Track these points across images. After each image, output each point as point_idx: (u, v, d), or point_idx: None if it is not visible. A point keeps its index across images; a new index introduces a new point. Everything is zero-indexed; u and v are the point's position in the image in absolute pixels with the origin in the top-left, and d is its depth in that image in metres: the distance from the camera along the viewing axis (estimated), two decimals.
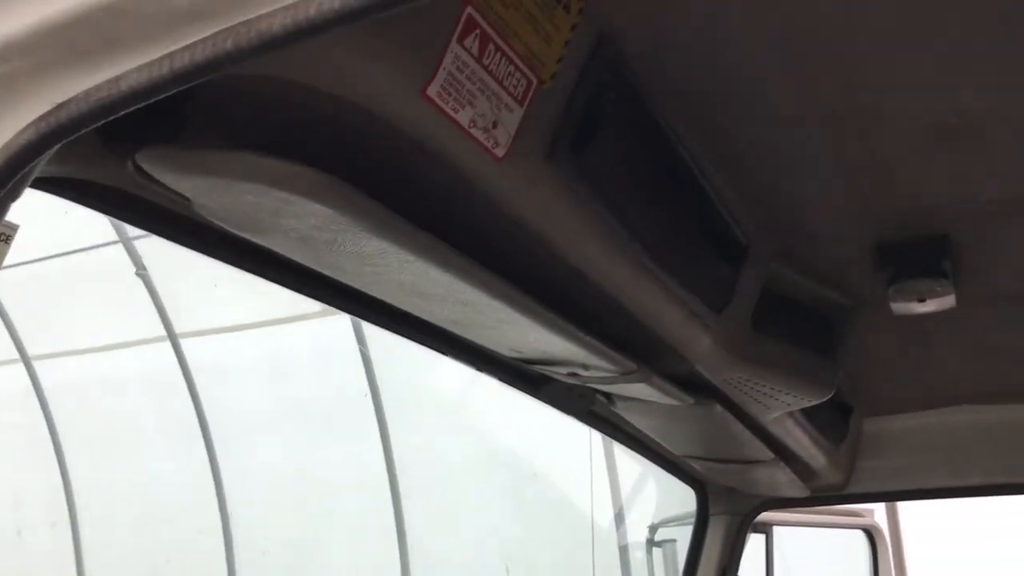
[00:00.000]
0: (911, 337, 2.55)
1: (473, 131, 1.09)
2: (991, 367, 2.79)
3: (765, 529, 4.22)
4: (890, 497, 3.37)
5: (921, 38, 1.34)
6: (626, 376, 1.89)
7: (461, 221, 1.28)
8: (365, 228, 1.12)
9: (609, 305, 1.63)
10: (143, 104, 0.81)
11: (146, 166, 1.08)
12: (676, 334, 1.80)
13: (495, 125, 1.12)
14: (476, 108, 1.08)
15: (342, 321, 8.65)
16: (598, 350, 1.72)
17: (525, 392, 2.31)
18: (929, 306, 2.12)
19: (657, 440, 2.84)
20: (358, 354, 9.21)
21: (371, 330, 8.31)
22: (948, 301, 2.11)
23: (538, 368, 2.01)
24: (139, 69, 0.79)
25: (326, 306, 1.79)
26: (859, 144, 1.62)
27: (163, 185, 1.13)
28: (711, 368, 1.97)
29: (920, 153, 1.62)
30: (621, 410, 2.47)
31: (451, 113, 1.06)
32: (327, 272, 1.43)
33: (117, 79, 0.80)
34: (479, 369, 2.14)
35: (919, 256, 1.96)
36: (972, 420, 3.14)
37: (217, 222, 1.24)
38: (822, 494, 3.36)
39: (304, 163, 1.03)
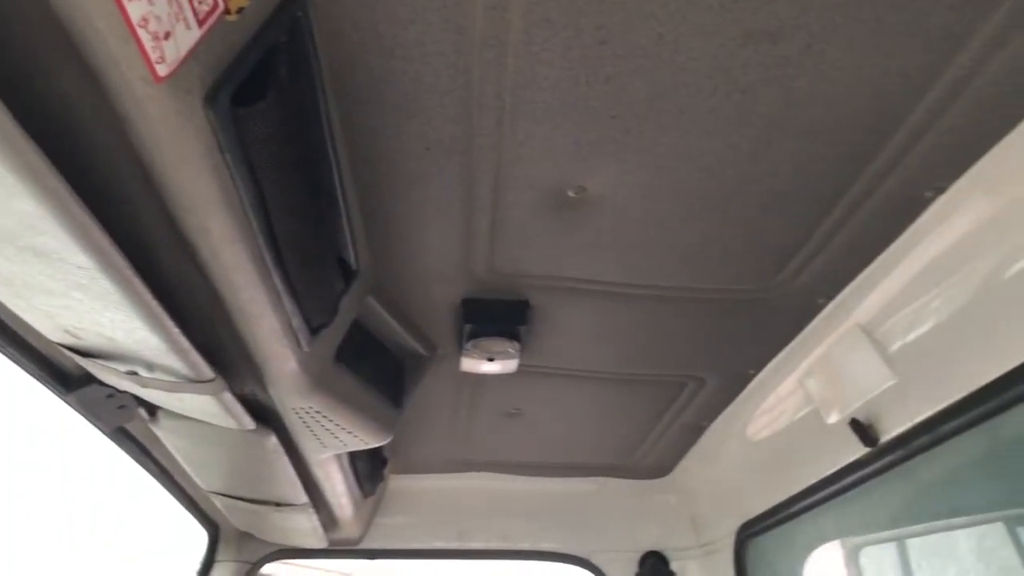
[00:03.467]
0: (461, 399, 2.69)
1: (141, 32, 0.89)
2: (513, 440, 3.05)
3: None
4: (400, 555, 3.44)
5: (563, 120, 1.43)
6: (198, 384, 1.67)
7: (78, 145, 1.03)
8: None
9: (208, 297, 1.44)
10: None
11: None
12: (266, 347, 1.65)
13: (167, 36, 0.92)
14: (155, 6, 0.88)
15: None
16: (180, 348, 1.49)
17: (53, 390, 1.93)
18: (495, 367, 2.25)
19: (188, 470, 2.57)
20: None
21: None
22: (511, 365, 2.26)
23: (88, 362, 1.69)
24: None
25: None
26: (484, 202, 1.66)
27: None
28: (287, 391, 1.84)
29: (532, 221, 1.73)
30: (162, 429, 2.19)
31: None
32: None
33: None
34: (4, 353, 1.75)
35: (501, 317, 2.07)
36: (484, 487, 3.40)
37: None
38: (337, 547, 3.33)
39: None
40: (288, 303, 1.55)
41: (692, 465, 3.25)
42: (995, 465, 2.18)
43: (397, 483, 3.39)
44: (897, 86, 1.34)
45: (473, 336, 2.09)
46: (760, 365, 2.41)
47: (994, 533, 4.87)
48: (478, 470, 3.36)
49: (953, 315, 1.80)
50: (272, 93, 1.18)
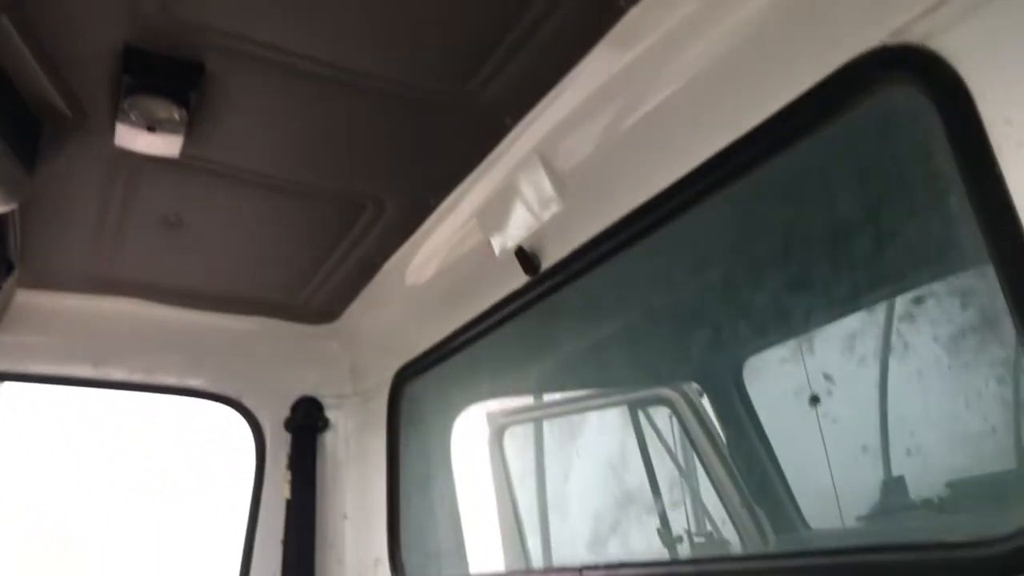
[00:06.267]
0: (112, 194, 2.39)
1: None
2: (170, 258, 2.79)
3: None
4: (22, 379, 3.05)
5: None
6: None
7: None
8: None
9: None
10: None
11: None
12: None
13: None
14: None
15: None
16: None
17: None
18: (156, 142, 2.02)
19: None
20: None
21: None
22: (175, 145, 2.04)
23: None
24: None
25: None
26: None
27: None
28: None
29: None
30: None
31: None
32: None
33: None
34: None
35: (169, 75, 1.84)
36: (130, 313, 3.10)
37: None
38: None
39: None
40: None
41: (360, 311, 3.22)
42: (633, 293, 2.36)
43: (27, 299, 2.97)
44: None
45: (132, 92, 1.84)
46: (442, 193, 2.40)
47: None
48: (126, 295, 3.04)
49: (618, 138, 1.90)
50: None
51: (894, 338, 1.65)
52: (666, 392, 4.41)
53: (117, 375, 3.12)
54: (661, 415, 4.80)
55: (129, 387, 3.16)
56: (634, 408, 5.01)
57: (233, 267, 2.89)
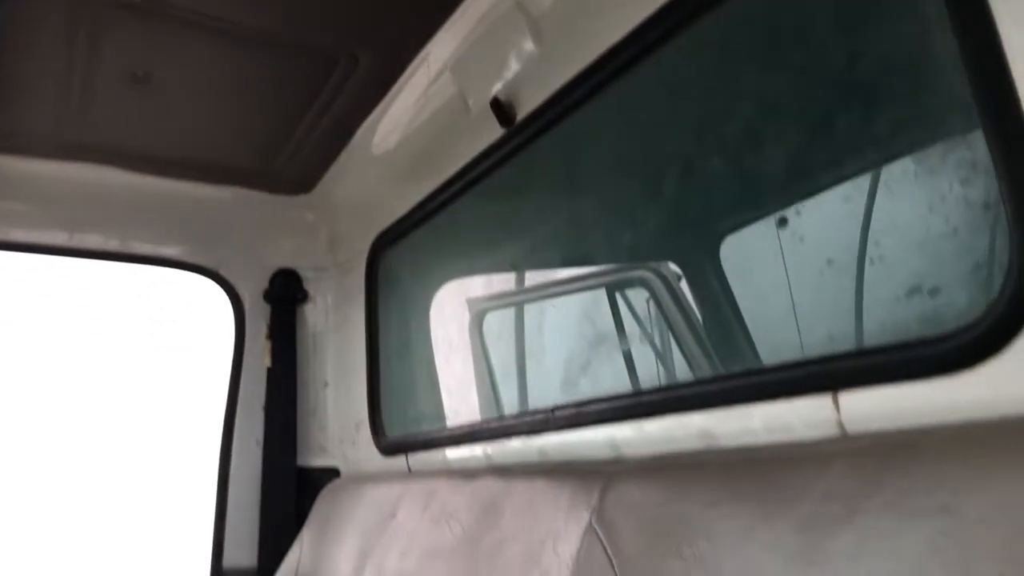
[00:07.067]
0: (76, 48, 2.32)
1: None
2: (140, 119, 2.73)
3: None
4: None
5: None
6: None
7: None
8: None
9: None
10: None
11: None
12: None
13: None
14: None
15: None
16: None
17: None
18: None
19: None
20: None
21: None
22: None
23: None
24: None
25: None
26: None
27: None
28: None
29: None
30: None
31: None
32: None
33: None
34: None
35: None
36: (102, 180, 3.06)
37: None
38: None
39: None
40: None
41: (335, 179, 3.19)
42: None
43: None
44: None
45: None
46: (417, 45, 2.35)
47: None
48: (98, 161, 3.00)
49: None
50: None
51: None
52: (645, 274, 4.43)
53: (92, 243, 3.10)
54: (639, 297, 4.85)
55: (105, 256, 3.14)
56: (612, 290, 5.06)
57: (205, 129, 2.84)
